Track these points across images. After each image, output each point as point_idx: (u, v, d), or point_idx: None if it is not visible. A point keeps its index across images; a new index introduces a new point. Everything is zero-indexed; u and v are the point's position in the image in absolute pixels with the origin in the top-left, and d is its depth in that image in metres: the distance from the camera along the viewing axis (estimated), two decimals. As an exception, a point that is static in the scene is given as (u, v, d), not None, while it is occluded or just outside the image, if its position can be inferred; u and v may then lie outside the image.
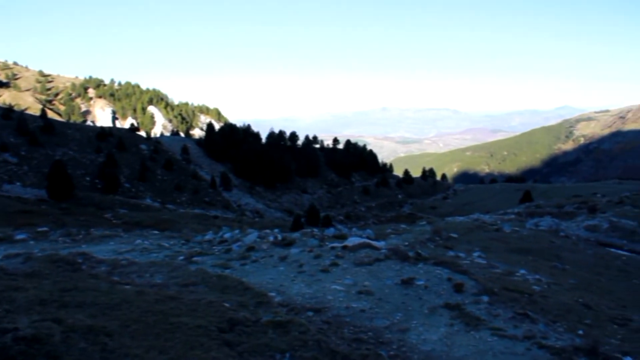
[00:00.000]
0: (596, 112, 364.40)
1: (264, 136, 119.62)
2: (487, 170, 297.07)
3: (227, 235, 23.10)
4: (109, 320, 7.33)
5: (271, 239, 19.67)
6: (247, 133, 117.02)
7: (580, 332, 9.92)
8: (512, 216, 38.46)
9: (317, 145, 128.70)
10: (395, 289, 12.11)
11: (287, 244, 18.59)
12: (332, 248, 16.77)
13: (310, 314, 10.30)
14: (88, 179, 66.14)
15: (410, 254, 15.46)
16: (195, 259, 16.65)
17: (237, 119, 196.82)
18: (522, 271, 15.59)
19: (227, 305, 9.39)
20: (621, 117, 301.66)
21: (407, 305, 11.10)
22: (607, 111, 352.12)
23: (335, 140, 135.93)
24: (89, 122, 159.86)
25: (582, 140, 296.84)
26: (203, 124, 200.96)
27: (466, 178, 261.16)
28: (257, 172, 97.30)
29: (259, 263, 15.57)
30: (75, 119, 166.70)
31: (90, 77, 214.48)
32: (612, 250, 25.09)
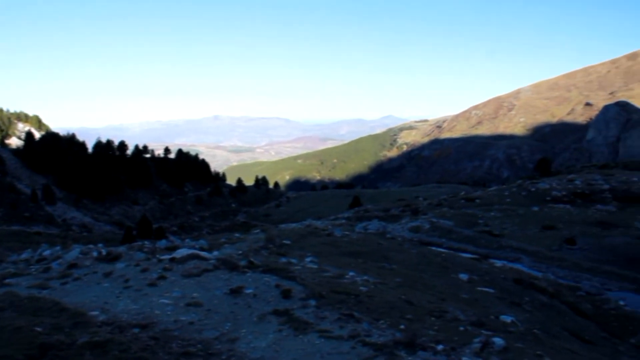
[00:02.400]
0: (417, 122, 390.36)
1: (90, 146, 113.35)
2: (318, 178, 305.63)
3: (46, 253, 21.31)
4: None
5: (95, 254, 18.45)
6: (71, 142, 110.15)
7: (402, 326, 10.36)
8: (343, 221, 39.74)
9: (148, 155, 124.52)
10: (224, 299, 11.87)
11: (113, 259, 17.54)
12: (160, 261, 16.10)
13: (136, 330, 9.74)
14: None
15: (242, 262, 15.28)
16: (7, 281, 15.12)
17: (61, 127, 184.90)
18: (352, 273, 16.01)
19: (38, 329, 8.55)
20: (438, 127, 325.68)
21: (236, 314, 10.91)
22: (426, 121, 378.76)
23: (167, 150, 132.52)
24: None
25: (405, 148, 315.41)
26: (21, 132, 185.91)
27: (298, 185, 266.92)
28: (84, 183, 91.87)
29: (82, 281, 14.51)
30: None
31: None
32: (434, 248, 26.74)
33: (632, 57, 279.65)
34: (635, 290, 21.23)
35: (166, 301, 11.78)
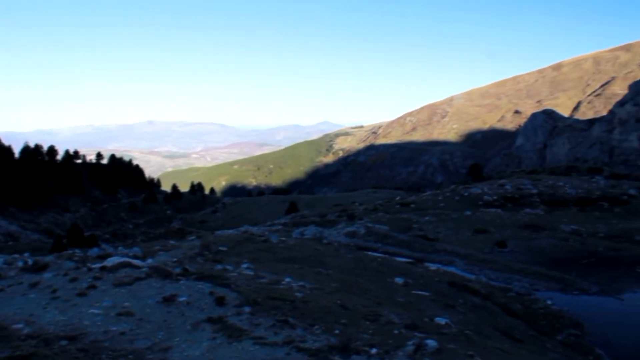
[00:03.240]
0: (352, 128, 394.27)
1: (17, 150, 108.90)
2: (254, 183, 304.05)
3: (-34, 264, 20.33)
4: None
5: (20, 264, 17.70)
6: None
7: (337, 331, 10.38)
8: (280, 227, 39.62)
9: (79, 161, 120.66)
10: (156, 308, 11.58)
11: (40, 268, 16.84)
12: (90, 270, 15.57)
13: (64, 342, 9.38)
14: None
15: (176, 270, 14.97)
16: None
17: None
18: (288, 279, 15.94)
19: (-46, 346, 8.10)
20: (373, 132, 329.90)
21: (169, 323, 10.67)
22: (362, 127, 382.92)
23: (99, 155, 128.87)
24: None
25: (341, 154, 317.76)
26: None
27: (235, 191, 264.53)
28: (10, 190, 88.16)
29: (5, 292, 13.86)
30: None
31: None
32: (370, 253, 26.92)
33: (556, 67, 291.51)
34: (562, 289, 21.99)
35: (96, 311, 11.40)
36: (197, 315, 11.08)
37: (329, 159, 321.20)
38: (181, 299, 12.08)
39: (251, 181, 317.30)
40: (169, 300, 11.97)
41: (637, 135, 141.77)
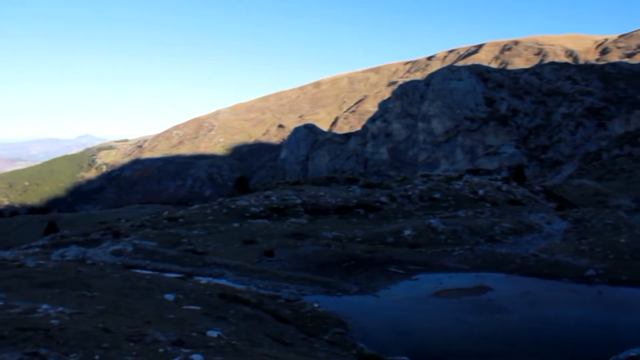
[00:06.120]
0: (116, 141, 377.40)
1: None
2: (6, 203, 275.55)
3: None
4: None
5: None
6: None
7: (97, 357, 9.84)
8: (37, 249, 36.53)
9: None
10: None
11: None
12: None
13: None
14: None
15: None
16: None
17: None
18: (46, 306, 14.71)
19: None
20: (139, 146, 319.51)
21: None
22: (127, 140, 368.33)
23: None
24: None
25: (104, 168, 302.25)
26: None
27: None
28: None
29: None
30: None
31: None
32: (138, 271, 26.02)
33: (316, 85, 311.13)
34: (327, 292, 23.40)
35: None
36: None
37: (92, 174, 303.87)
38: None
39: (2, 200, 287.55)
40: None
41: (387, 148, 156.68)
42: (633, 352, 14.20)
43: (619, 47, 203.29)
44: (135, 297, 18.33)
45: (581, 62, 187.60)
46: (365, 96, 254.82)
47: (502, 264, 27.78)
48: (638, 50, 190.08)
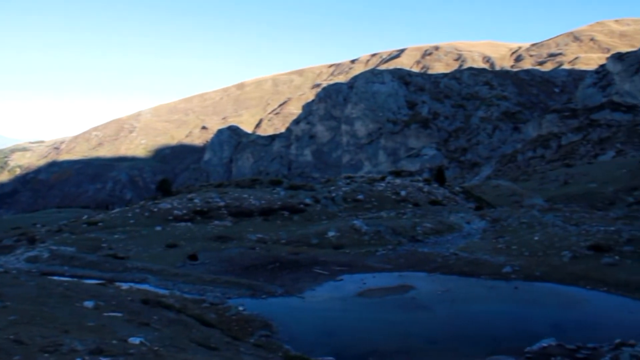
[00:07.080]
0: (31, 143, 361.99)
1: None
2: None
3: None
4: None
5: None
6: None
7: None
8: (-57, 257, 34.65)
9: None
10: None
11: None
12: None
13: None
14: None
15: None
16: None
17: None
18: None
19: None
20: (56, 148, 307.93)
21: None
22: (42, 142, 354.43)
23: None
24: None
25: (18, 171, 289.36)
26: None
27: None
28: None
29: None
30: None
31: None
32: (55, 278, 25.07)
33: (240, 87, 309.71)
34: (252, 295, 23.28)
35: None
36: None
37: (4, 177, 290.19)
38: None
39: None
40: None
41: (310, 150, 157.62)
42: (545, 343, 15.33)
43: (531, 55, 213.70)
44: (52, 306, 17.65)
45: (497, 68, 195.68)
46: (289, 98, 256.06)
47: (424, 263, 28.44)
48: (548, 58, 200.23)
